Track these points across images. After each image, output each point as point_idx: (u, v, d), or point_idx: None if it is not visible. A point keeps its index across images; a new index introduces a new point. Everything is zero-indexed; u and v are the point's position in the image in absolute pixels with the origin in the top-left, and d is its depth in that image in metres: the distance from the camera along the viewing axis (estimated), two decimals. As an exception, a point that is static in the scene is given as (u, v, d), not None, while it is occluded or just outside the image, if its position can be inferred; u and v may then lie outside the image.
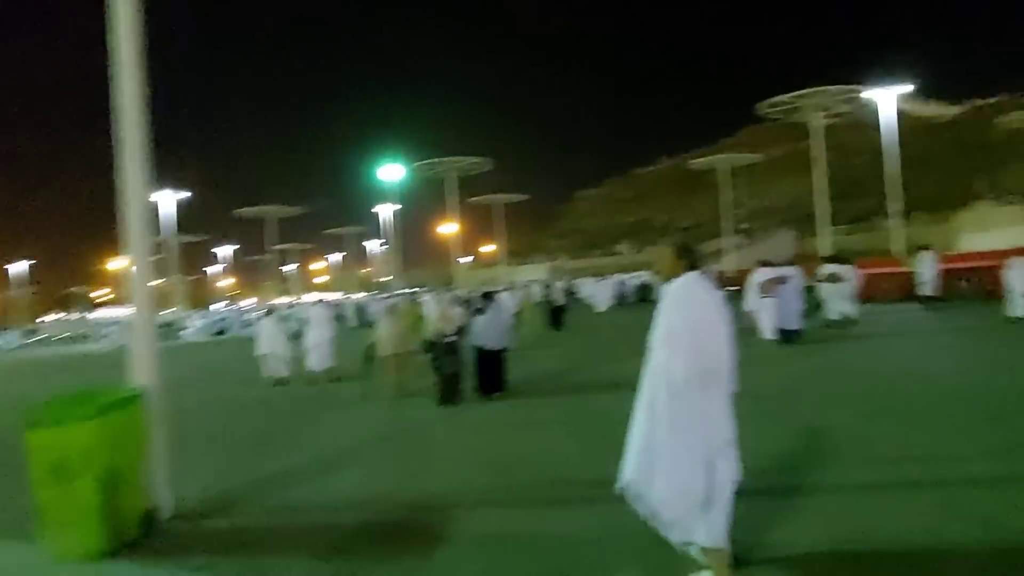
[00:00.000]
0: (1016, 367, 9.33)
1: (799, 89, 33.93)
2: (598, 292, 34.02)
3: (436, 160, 39.55)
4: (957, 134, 74.26)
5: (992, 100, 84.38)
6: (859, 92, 29.50)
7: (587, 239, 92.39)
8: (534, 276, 64.94)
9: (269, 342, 13.45)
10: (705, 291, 3.58)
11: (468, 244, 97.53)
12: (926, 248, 21.78)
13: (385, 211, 71.82)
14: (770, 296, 12.91)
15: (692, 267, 3.66)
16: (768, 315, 12.99)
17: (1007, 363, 9.67)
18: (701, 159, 42.75)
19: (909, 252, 24.67)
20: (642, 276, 40.43)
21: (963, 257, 24.45)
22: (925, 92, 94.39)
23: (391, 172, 44.87)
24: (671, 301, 3.54)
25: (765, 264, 14.47)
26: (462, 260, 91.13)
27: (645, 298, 32.25)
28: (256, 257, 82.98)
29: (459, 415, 9.03)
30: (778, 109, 29.60)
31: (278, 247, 78.29)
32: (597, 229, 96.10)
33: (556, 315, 22.05)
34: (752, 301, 13.35)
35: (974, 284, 20.56)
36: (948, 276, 21.02)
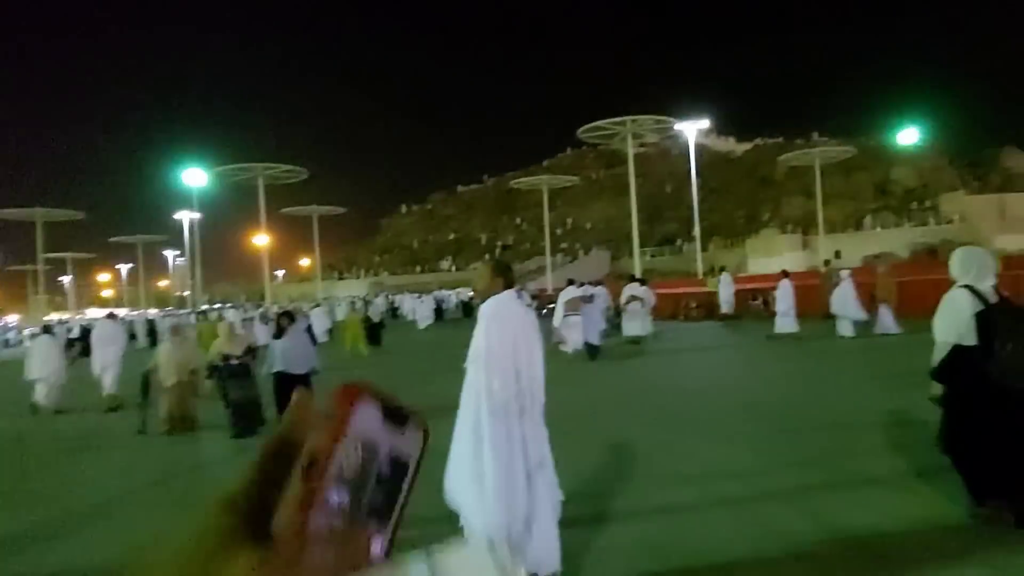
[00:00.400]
0: (789, 380, 10.31)
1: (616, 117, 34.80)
2: (419, 308, 33.74)
3: (244, 165, 34.81)
4: (747, 168, 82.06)
5: (772, 141, 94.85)
6: (668, 124, 30.76)
7: (409, 255, 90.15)
8: (354, 292, 61.64)
9: (42, 365, 11.70)
10: (520, 309, 3.72)
11: (284, 258, 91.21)
12: (723, 270, 22.98)
13: (187, 219, 64.82)
14: (575, 314, 13.36)
15: (508, 285, 3.75)
16: (574, 331, 13.52)
17: (781, 376, 10.70)
18: (523, 179, 42.56)
19: (708, 274, 25.99)
20: (463, 293, 39.96)
21: (752, 279, 26.09)
22: (721, 129, 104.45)
23: (194, 177, 39.49)
24: (488, 320, 3.58)
25: (571, 283, 15.15)
26: (277, 274, 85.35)
27: (468, 314, 32.21)
28: (21, 267, 70.94)
29: (254, 449, 6.58)
30: (595, 135, 29.86)
31: (50, 256, 67.55)
32: (420, 245, 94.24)
33: (373, 332, 21.08)
34: (558, 318, 13.68)
35: (759, 303, 21.66)
36: (741, 296, 22.02)
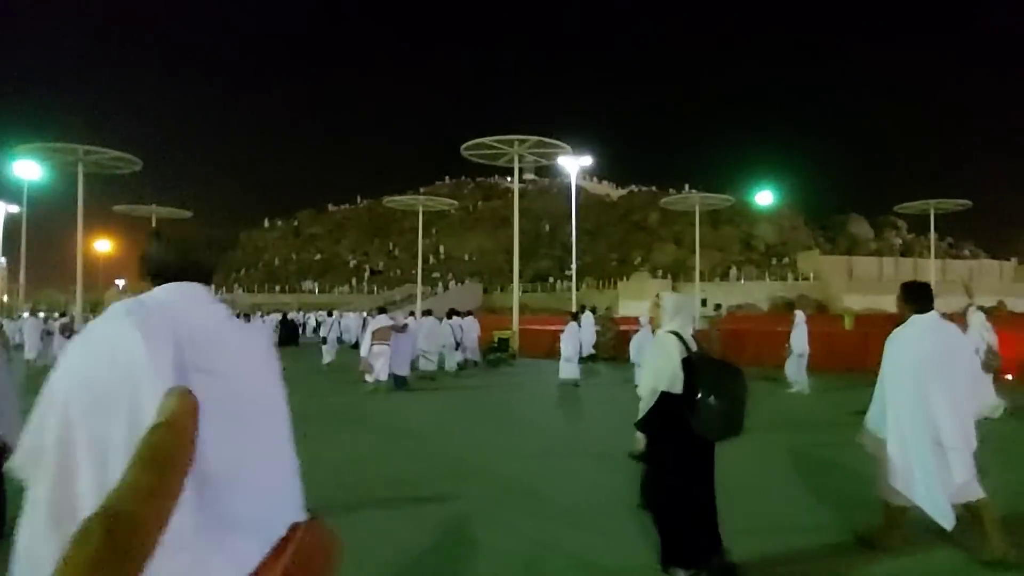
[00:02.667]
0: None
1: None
2: None
3: (62, 145, 28.44)
4: (621, 213, 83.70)
5: (646, 189, 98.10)
6: (558, 147, 28.70)
7: (270, 273, 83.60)
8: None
9: None
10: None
11: (126, 265, 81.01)
12: (589, 310, 23.00)
13: (2, 212, 55.52)
14: (383, 344, 13.27)
15: None
16: (381, 361, 13.35)
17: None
18: (398, 197, 39.60)
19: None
20: (322, 316, 37.19)
21: (626, 320, 25.44)
22: (598, 174, 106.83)
23: (28, 169, 32.02)
24: None
25: (382, 311, 15.10)
26: (118, 282, 75.54)
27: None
28: None
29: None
30: (479, 153, 27.47)
31: None
32: (282, 263, 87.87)
33: None
34: (365, 347, 13.55)
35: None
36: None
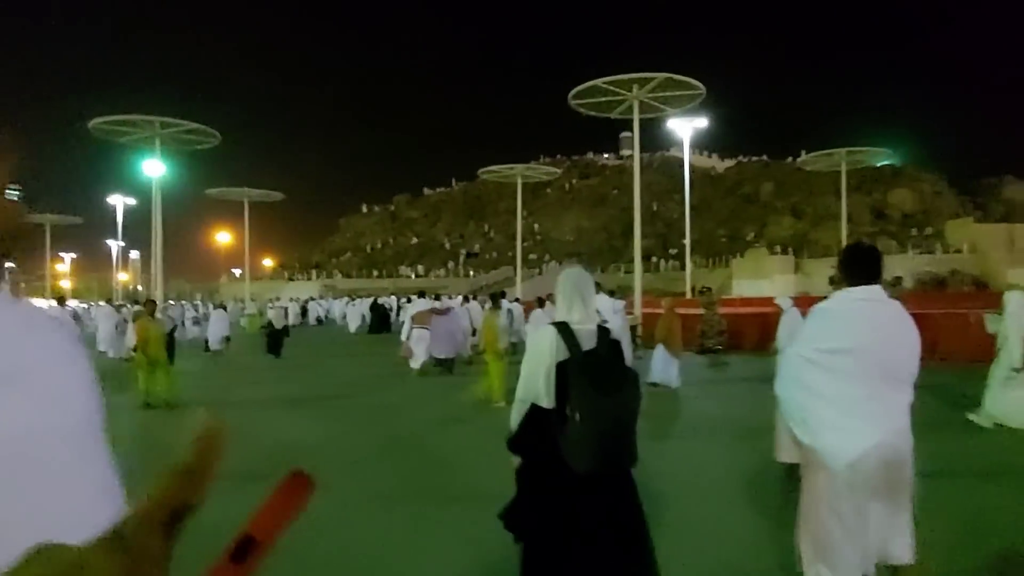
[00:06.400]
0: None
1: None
2: (349, 313, 32.84)
3: (134, 117, 26.71)
4: (729, 186, 77.83)
5: (756, 159, 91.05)
6: (692, 88, 23.12)
7: (367, 258, 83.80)
8: (302, 294, 55.28)
9: None
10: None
11: (241, 254, 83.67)
12: (703, 291, 19.14)
13: (120, 204, 57.49)
14: (423, 328, 13.19)
15: None
16: (420, 346, 13.31)
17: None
18: (495, 167, 36.99)
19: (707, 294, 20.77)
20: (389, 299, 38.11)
21: (747, 303, 21.78)
22: (702, 145, 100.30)
23: (154, 167, 30.97)
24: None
25: (422, 295, 15.32)
26: (235, 271, 77.99)
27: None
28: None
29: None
30: (590, 102, 23.76)
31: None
32: (380, 248, 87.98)
33: (274, 340, 17.95)
34: (406, 331, 13.64)
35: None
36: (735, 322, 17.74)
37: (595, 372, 2.72)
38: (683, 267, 44.27)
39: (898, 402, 2.82)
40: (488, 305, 14.85)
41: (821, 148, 34.13)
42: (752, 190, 73.17)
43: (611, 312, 15.06)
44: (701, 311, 17.39)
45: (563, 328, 2.80)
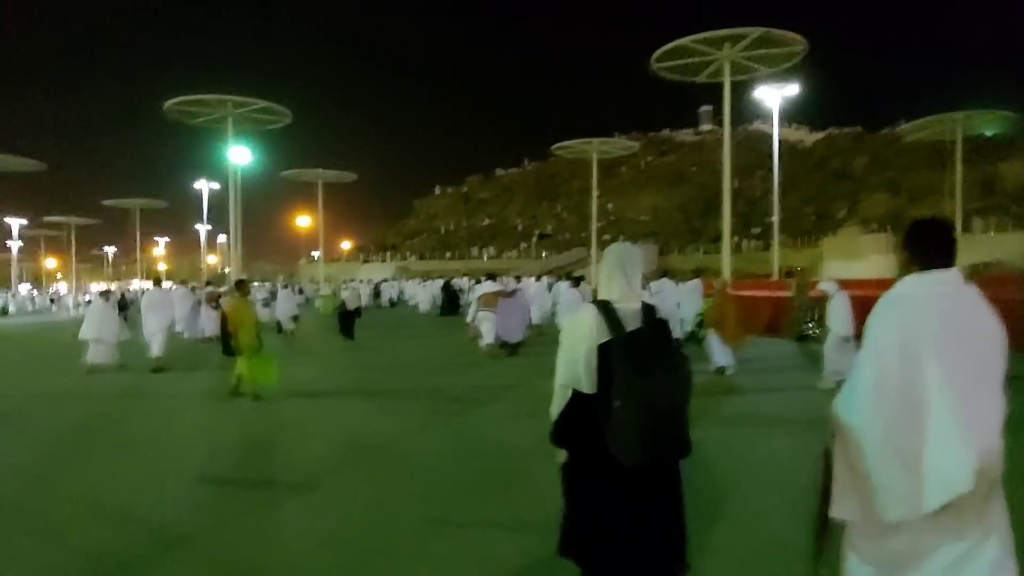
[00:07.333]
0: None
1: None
2: (419, 294, 33.59)
3: (207, 96, 27.08)
4: (818, 160, 73.50)
5: (848, 130, 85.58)
6: (784, 48, 21.08)
7: (440, 239, 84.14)
8: (375, 275, 55.92)
9: (99, 326, 12.12)
10: None
11: (326, 237, 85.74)
12: (790, 273, 17.20)
13: (206, 188, 59.54)
14: (489, 310, 13.11)
15: None
16: (488, 327, 13.22)
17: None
18: (569, 142, 35.70)
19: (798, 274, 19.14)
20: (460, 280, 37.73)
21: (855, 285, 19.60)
22: (788, 117, 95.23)
23: (240, 154, 31.50)
24: None
25: (491, 278, 15.11)
26: (314, 254, 79.74)
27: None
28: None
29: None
30: (674, 64, 22.21)
31: (51, 219, 63.65)
32: (453, 229, 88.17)
33: (346, 322, 17.78)
34: (472, 313, 13.58)
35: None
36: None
37: (638, 354, 2.56)
38: (767, 247, 41.91)
39: (990, 417, 2.24)
40: (567, 286, 14.98)
41: (920, 117, 31.20)
42: (843, 164, 68.84)
43: (683, 294, 14.64)
44: (790, 294, 15.90)
45: (604, 307, 2.65)
